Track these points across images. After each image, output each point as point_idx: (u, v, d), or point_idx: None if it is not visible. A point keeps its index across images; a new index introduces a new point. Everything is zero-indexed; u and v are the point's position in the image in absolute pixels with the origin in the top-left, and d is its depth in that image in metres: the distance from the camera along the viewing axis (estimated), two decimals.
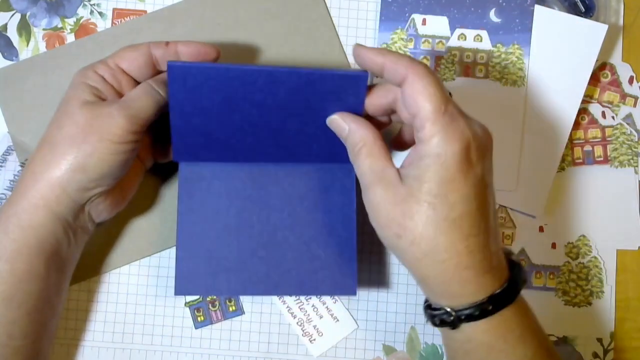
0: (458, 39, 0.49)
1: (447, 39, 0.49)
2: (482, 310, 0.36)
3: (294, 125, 0.41)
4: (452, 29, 0.49)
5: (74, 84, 0.40)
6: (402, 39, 0.49)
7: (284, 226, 0.43)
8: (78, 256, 0.43)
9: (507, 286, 0.37)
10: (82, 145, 0.38)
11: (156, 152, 0.45)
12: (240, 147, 0.42)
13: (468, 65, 0.49)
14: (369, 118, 0.41)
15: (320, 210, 0.44)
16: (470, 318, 0.37)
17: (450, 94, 0.39)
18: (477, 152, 0.36)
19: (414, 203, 0.36)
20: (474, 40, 0.49)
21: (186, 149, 0.42)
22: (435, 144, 0.35)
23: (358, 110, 0.40)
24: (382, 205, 0.37)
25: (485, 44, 0.49)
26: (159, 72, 0.42)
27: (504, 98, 0.49)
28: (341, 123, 0.40)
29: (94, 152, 0.38)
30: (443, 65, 0.49)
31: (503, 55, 0.49)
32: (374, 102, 0.40)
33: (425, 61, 0.49)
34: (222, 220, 0.43)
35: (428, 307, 0.39)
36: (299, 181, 0.44)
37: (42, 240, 0.39)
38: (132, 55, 0.41)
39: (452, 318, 0.37)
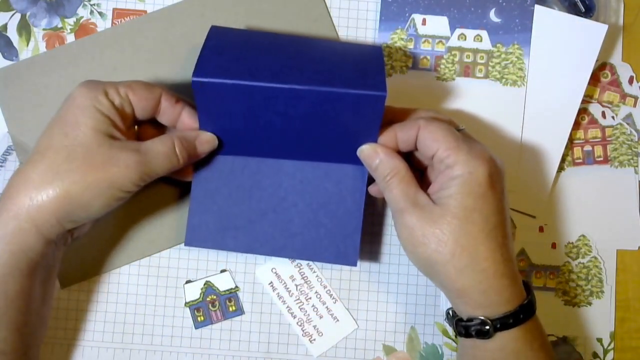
0: (458, 39, 0.49)
1: (447, 39, 0.49)
2: (515, 318, 0.39)
3: (313, 132, 0.42)
4: (452, 29, 0.49)
5: (83, 106, 0.39)
6: (402, 39, 0.49)
7: (294, 192, 0.45)
8: (59, 263, 0.43)
9: (531, 297, 0.40)
10: (91, 187, 0.38)
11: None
12: (261, 148, 0.44)
13: (468, 65, 0.49)
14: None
15: (332, 182, 0.45)
16: (505, 326, 0.39)
17: (463, 128, 0.42)
18: (497, 170, 0.40)
19: (452, 218, 0.38)
20: (474, 40, 0.49)
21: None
22: (465, 164, 0.38)
23: (375, 125, 0.41)
24: (418, 226, 0.39)
25: (485, 44, 0.49)
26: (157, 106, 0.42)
27: (504, 98, 0.49)
28: (372, 154, 0.41)
29: (100, 196, 0.38)
30: (443, 65, 0.49)
31: (503, 55, 0.49)
32: (402, 138, 0.41)
33: (425, 61, 0.49)
34: (236, 180, 0.45)
35: (459, 320, 0.40)
36: (314, 165, 0.45)
37: (32, 261, 0.38)
38: (144, 94, 0.41)
39: (488, 327, 0.39)
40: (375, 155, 0.41)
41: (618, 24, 0.51)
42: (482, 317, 0.39)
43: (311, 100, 0.39)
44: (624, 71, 0.50)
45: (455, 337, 0.42)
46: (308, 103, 0.40)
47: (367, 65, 0.42)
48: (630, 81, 0.50)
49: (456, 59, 0.49)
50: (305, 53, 0.43)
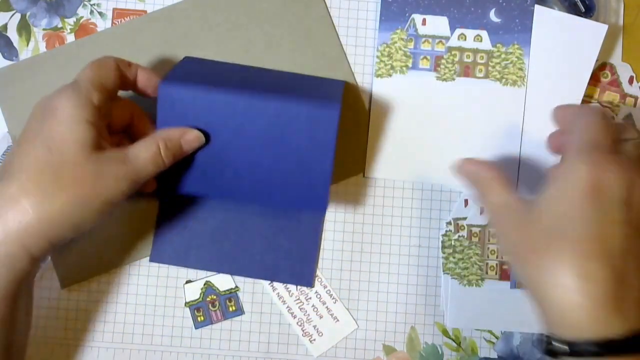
0: (458, 39, 0.49)
1: (447, 39, 0.49)
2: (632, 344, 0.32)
3: (269, 157, 0.42)
4: (452, 29, 0.49)
5: (66, 118, 0.37)
6: (402, 39, 0.49)
7: (255, 215, 0.47)
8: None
9: None
10: (83, 205, 0.36)
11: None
12: (220, 185, 0.43)
13: (468, 65, 0.49)
14: None
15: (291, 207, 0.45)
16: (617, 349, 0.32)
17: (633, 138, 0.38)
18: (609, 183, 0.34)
19: (539, 227, 0.35)
20: (474, 40, 0.49)
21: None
22: (567, 166, 0.36)
23: (330, 142, 0.41)
24: (508, 231, 0.37)
25: (485, 44, 0.49)
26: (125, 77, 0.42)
27: (504, 98, 0.49)
28: (469, 166, 0.41)
29: (92, 213, 0.37)
30: (443, 65, 0.49)
31: (503, 55, 0.49)
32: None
33: (425, 61, 0.49)
34: (200, 200, 0.47)
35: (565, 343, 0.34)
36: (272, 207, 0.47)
37: (19, 282, 0.37)
38: (106, 74, 0.40)
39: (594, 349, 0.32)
40: (471, 168, 0.41)
41: (618, 24, 0.51)
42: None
43: (267, 113, 0.41)
44: (624, 71, 0.50)
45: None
46: (265, 116, 0.41)
47: (328, 92, 0.44)
48: (630, 81, 0.51)
49: (456, 59, 0.49)
50: (269, 78, 0.46)
